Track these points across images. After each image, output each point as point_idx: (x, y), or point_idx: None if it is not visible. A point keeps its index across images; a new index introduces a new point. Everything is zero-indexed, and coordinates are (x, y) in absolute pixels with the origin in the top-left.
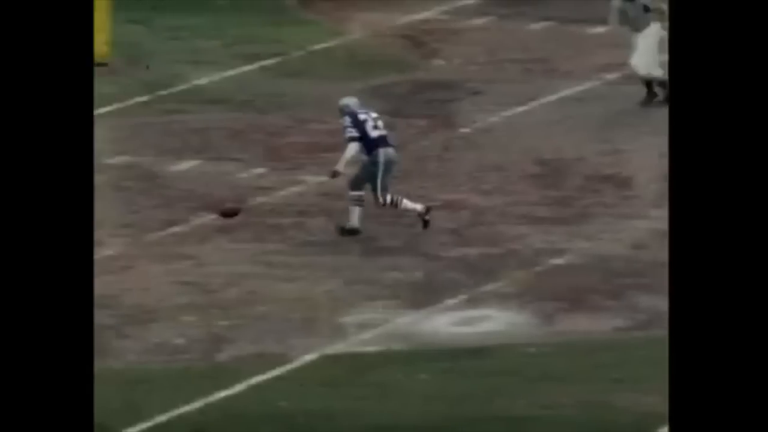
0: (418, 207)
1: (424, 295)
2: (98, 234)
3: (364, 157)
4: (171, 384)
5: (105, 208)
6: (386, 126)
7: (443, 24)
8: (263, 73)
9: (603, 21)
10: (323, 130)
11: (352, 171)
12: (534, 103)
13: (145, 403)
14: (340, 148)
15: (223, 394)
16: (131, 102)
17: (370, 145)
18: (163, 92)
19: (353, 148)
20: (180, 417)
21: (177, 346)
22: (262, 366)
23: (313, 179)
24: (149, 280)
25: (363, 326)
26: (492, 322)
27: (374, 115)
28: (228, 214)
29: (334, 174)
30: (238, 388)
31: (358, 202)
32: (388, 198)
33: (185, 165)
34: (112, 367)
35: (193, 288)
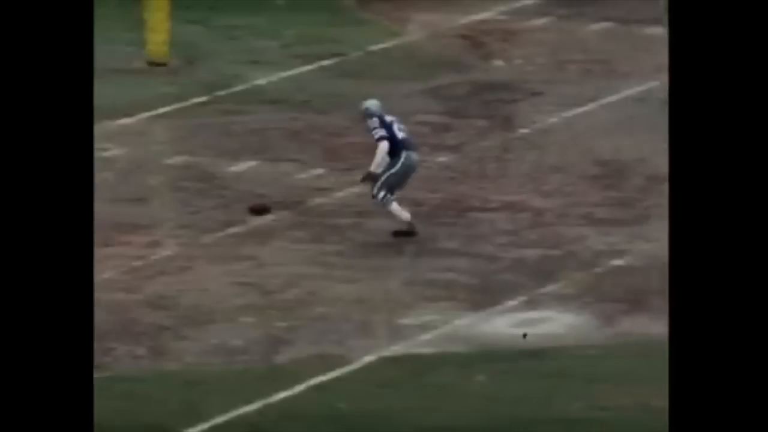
0: (404, 216)
1: (483, 296)
2: (156, 234)
3: (387, 159)
4: (229, 385)
5: (163, 208)
6: (444, 127)
7: (502, 24)
8: (322, 74)
9: (662, 21)
10: None
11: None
12: (594, 104)
13: (203, 404)
14: None
15: (282, 395)
16: (189, 102)
17: (396, 147)
18: (222, 92)
19: (384, 147)
20: (239, 418)
21: (235, 348)
22: (321, 367)
23: None
24: (207, 281)
25: (422, 327)
26: (551, 323)
27: (396, 118)
28: (258, 210)
29: (369, 176)
30: (297, 389)
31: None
32: (382, 194)
33: (243, 165)
34: (171, 369)
35: (251, 289)
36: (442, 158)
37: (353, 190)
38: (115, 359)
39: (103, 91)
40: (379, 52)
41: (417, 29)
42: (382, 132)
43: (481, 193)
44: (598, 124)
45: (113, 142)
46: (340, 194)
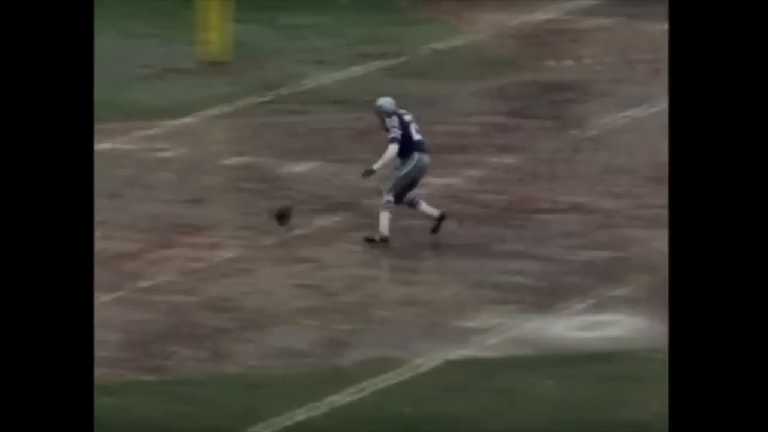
0: (385, 231)
1: (551, 299)
2: (217, 236)
3: (398, 159)
4: (292, 389)
5: (224, 210)
6: (510, 128)
7: (568, 24)
8: (386, 73)
9: None
10: (447, 132)
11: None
12: (663, 104)
13: (265, 407)
14: (465, 149)
15: (345, 399)
16: (251, 102)
17: (409, 147)
18: (285, 92)
19: (394, 150)
20: (301, 422)
21: (298, 351)
22: (385, 371)
23: (438, 181)
24: (269, 284)
25: (489, 331)
26: (619, 327)
27: (412, 117)
28: (282, 215)
29: (369, 172)
30: (361, 393)
31: (413, 201)
32: (389, 198)
33: (306, 166)
34: (232, 372)
35: (313, 291)
36: (509, 159)
37: (418, 192)
38: (176, 362)
39: (163, 91)
40: (445, 51)
41: (483, 28)
42: (396, 134)
43: (548, 195)
44: (666, 124)
45: (174, 142)
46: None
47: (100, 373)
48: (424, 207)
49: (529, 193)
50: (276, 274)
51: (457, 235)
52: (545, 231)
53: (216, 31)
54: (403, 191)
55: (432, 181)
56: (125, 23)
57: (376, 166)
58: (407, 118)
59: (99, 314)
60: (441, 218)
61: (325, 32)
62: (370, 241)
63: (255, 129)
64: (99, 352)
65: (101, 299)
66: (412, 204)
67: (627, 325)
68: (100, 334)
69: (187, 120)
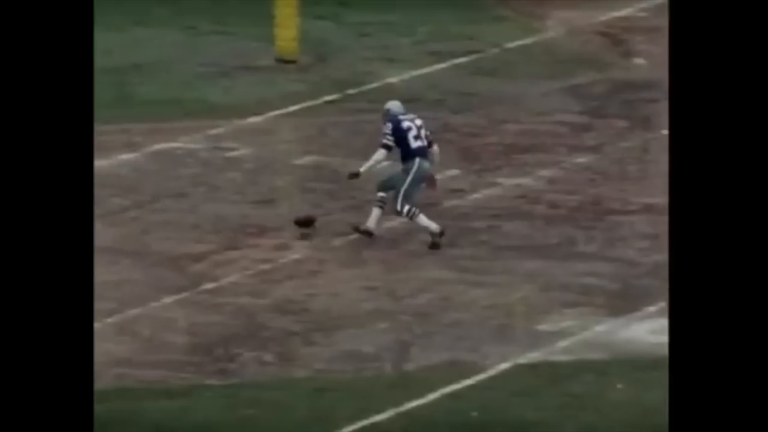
0: (433, 226)
1: (623, 302)
2: (285, 237)
3: (399, 165)
4: (360, 393)
5: (291, 210)
6: (583, 127)
7: (643, 21)
8: (456, 71)
9: None
10: (519, 131)
11: (386, 173)
12: None
13: (333, 412)
14: (536, 149)
15: (414, 403)
16: (320, 101)
17: (408, 154)
18: (353, 91)
19: (382, 155)
20: (369, 427)
21: (366, 354)
22: (454, 374)
23: (509, 182)
24: (337, 285)
25: (559, 334)
26: None
27: (419, 122)
28: (303, 223)
29: (355, 174)
30: (430, 397)
31: (381, 203)
32: (407, 208)
33: (375, 166)
34: (299, 375)
35: (382, 294)
36: (581, 159)
37: (489, 192)
38: (241, 365)
39: (230, 89)
40: (517, 49)
41: (556, 26)
42: (386, 140)
43: (620, 195)
44: None
45: (241, 141)
46: (475, 196)
47: (163, 375)
48: (374, 213)
49: (601, 193)
50: (344, 275)
51: (528, 236)
52: (617, 232)
53: (291, 28)
54: (413, 197)
55: (503, 181)
56: (190, 21)
57: (362, 169)
58: (405, 125)
59: (163, 316)
60: (367, 233)
61: (394, 30)
62: (435, 245)
63: (323, 128)
64: (163, 355)
65: (166, 301)
66: (379, 200)
67: None
68: (164, 337)
69: (254, 119)
